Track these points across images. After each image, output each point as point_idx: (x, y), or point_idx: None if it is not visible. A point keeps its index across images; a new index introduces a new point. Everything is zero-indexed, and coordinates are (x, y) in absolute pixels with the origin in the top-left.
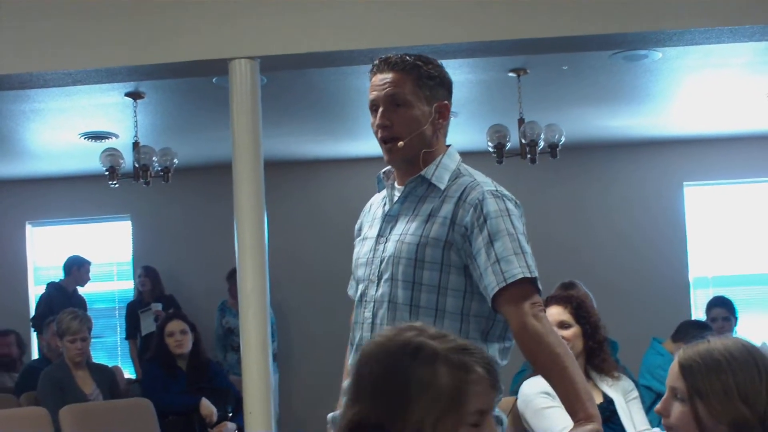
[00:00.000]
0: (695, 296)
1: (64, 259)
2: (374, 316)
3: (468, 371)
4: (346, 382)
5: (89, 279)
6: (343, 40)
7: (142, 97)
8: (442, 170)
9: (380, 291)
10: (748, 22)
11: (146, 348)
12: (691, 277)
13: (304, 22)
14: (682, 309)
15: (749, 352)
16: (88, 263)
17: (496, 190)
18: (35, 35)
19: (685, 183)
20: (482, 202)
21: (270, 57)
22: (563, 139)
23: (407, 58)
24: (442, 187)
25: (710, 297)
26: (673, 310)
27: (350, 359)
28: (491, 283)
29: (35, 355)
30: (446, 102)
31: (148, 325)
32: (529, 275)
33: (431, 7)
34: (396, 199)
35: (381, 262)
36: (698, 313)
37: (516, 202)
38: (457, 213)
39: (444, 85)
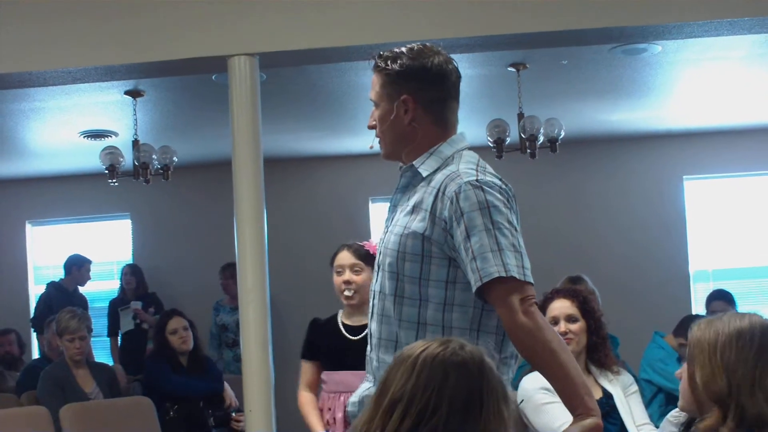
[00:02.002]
0: (695, 290)
1: (65, 259)
2: (373, 306)
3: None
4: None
5: (89, 278)
6: (342, 36)
7: (142, 95)
8: (434, 158)
9: (377, 281)
10: (747, 14)
11: (125, 344)
12: (691, 271)
13: (303, 18)
14: (682, 302)
15: (752, 328)
16: (89, 262)
17: (477, 181)
18: (34, 34)
19: (685, 176)
20: (458, 195)
21: (269, 54)
22: (563, 134)
23: (380, 56)
24: (424, 174)
25: (710, 290)
26: (673, 304)
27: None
28: (472, 281)
29: (35, 354)
30: (406, 96)
31: (126, 323)
32: (504, 275)
33: (430, 3)
34: (396, 189)
35: (379, 254)
36: (698, 306)
37: (503, 190)
38: (436, 206)
39: (412, 77)
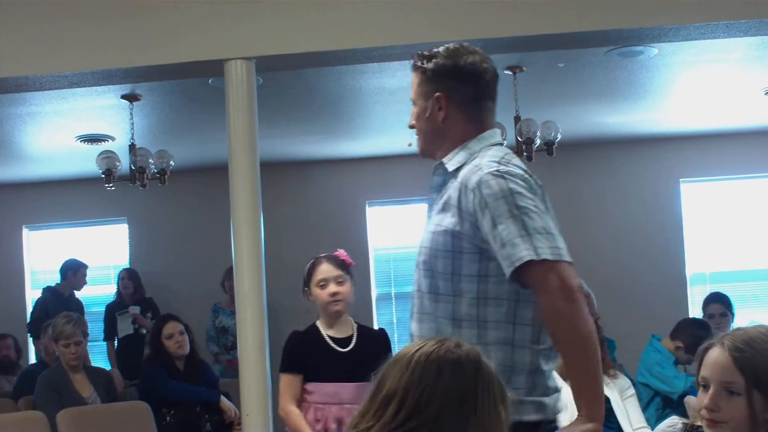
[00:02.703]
0: (692, 293)
1: (61, 263)
2: (412, 305)
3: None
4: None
5: (86, 283)
6: (339, 39)
7: (139, 99)
8: (462, 153)
9: (415, 279)
10: (743, 16)
11: (123, 349)
12: (688, 274)
13: (300, 22)
14: (679, 305)
15: None
16: (85, 267)
17: (497, 171)
18: (31, 38)
19: (681, 179)
20: (480, 186)
21: (266, 57)
22: (559, 137)
23: (418, 55)
24: (450, 168)
25: (707, 293)
26: (670, 307)
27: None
28: (505, 268)
29: (32, 359)
30: (440, 93)
31: (125, 328)
32: (535, 257)
33: (426, 5)
34: (431, 188)
35: (418, 253)
36: (695, 309)
37: (525, 178)
38: (461, 200)
39: (445, 75)
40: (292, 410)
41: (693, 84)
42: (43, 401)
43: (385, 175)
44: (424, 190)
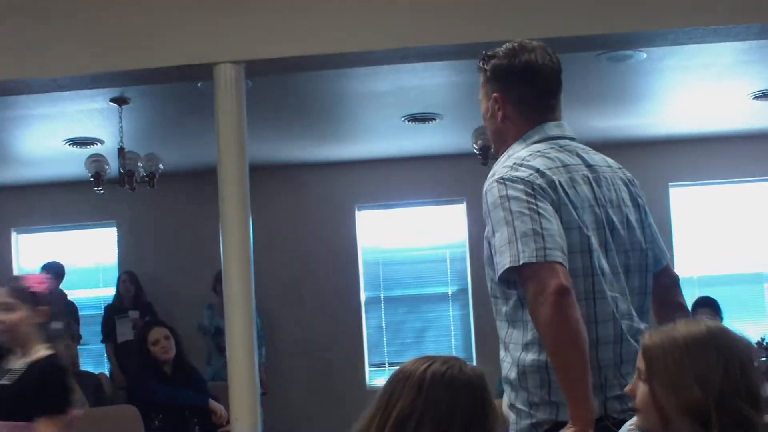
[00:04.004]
0: None
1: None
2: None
3: None
4: None
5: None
6: (328, 43)
7: (128, 103)
8: (503, 157)
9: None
10: (732, 22)
11: (123, 353)
12: None
13: (289, 26)
14: None
15: (711, 333)
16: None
17: (502, 177)
18: (19, 42)
19: (670, 183)
20: (486, 194)
21: (255, 61)
22: None
23: (481, 56)
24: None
25: (696, 297)
26: None
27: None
28: (495, 276)
29: None
30: (497, 94)
31: (125, 332)
32: (516, 263)
33: (416, 10)
34: None
35: None
36: None
37: (527, 182)
38: (483, 207)
39: (500, 76)
40: None
41: (682, 88)
42: None
43: (374, 179)
44: (414, 193)
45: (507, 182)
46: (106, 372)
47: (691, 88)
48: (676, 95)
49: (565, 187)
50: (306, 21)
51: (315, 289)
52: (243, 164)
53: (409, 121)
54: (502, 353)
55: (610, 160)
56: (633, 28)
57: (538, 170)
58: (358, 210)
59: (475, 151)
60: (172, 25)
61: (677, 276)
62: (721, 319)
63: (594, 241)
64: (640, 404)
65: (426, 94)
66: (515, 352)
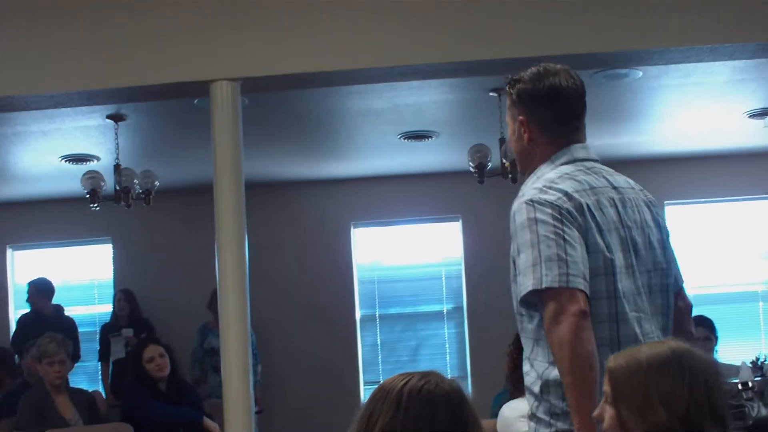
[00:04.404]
0: None
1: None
2: None
3: None
4: None
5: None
6: (324, 61)
7: (124, 120)
8: (531, 178)
9: None
10: (727, 41)
11: (117, 372)
12: None
13: (285, 43)
14: None
15: (676, 355)
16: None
17: (531, 199)
18: (16, 58)
19: (666, 202)
20: (514, 215)
21: (251, 79)
22: None
23: (508, 80)
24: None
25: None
26: None
27: None
28: (518, 297)
29: None
30: (522, 117)
31: (118, 351)
32: (539, 287)
33: (411, 28)
34: None
35: None
36: None
37: (555, 206)
38: (509, 227)
39: (525, 99)
40: None
41: (677, 107)
42: (25, 423)
43: (370, 197)
44: (409, 211)
45: (536, 204)
46: (101, 389)
47: (687, 107)
48: (672, 113)
49: (593, 209)
50: (302, 39)
51: (310, 307)
52: (239, 181)
53: (405, 138)
54: (527, 368)
55: (632, 182)
56: (629, 46)
57: (566, 193)
58: (354, 227)
59: (471, 169)
60: (168, 43)
61: (691, 303)
62: (717, 339)
63: (619, 263)
64: (608, 428)
65: (422, 111)
66: (540, 368)
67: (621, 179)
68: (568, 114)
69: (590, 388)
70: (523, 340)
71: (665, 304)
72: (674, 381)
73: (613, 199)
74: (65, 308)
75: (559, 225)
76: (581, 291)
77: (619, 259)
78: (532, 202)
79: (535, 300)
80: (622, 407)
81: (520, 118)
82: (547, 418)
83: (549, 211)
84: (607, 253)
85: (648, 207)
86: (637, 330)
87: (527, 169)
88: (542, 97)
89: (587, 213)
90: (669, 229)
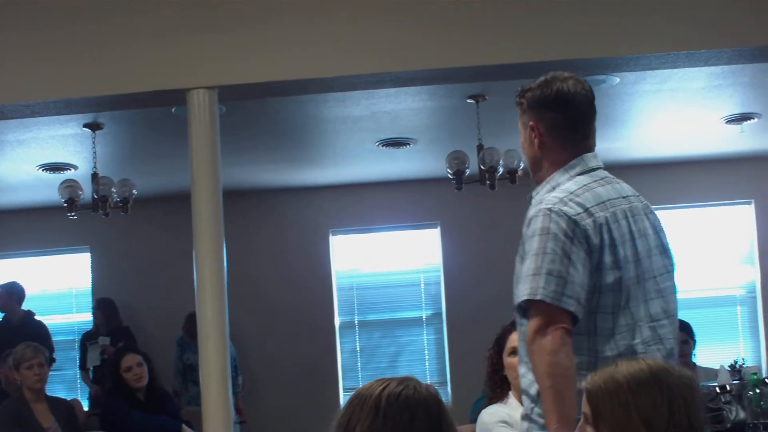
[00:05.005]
0: None
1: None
2: None
3: None
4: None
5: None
6: (301, 68)
7: (101, 128)
8: (547, 187)
9: None
10: (703, 46)
11: (97, 379)
12: None
13: (262, 51)
14: None
15: (653, 373)
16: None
17: (550, 209)
18: None
19: None
20: (531, 221)
21: (228, 87)
22: (522, 165)
23: (519, 90)
24: (531, 202)
25: None
26: None
27: None
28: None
29: None
30: (532, 123)
31: (93, 359)
32: (533, 297)
33: (390, 35)
34: None
35: None
36: None
37: (571, 221)
38: (524, 231)
39: (535, 106)
40: None
41: (654, 112)
42: (3, 431)
43: (348, 204)
44: (388, 218)
45: (553, 215)
46: (79, 397)
47: (664, 113)
48: (649, 119)
49: (610, 223)
50: (279, 46)
51: (289, 314)
52: (217, 189)
53: (383, 145)
54: (523, 369)
55: (632, 189)
56: (606, 53)
57: (587, 210)
58: (332, 234)
59: (449, 175)
60: (145, 51)
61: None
62: (695, 342)
63: (630, 274)
64: None
65: (400, 119)
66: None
67: (627, 188)
68: (577, 119)
69: (567, 393)
70: (519, 343)
71: (674, 306)
72: (654, 400)
73: (625, 212)
74: (43, 316)
75: (569, 243)
76: (571, 313)
77: (630, 271)
78: (550, 211)
79: (529, 307)
80: (603, 427)
81: (531, 123)
82: (541, 421)
83: (564, 225)
84: (619, 267)
85: (646, 215)
86: (650, 334)
87: (537, 174)
88: (550, 102)
89: (604, 229)
90: (665, 231)
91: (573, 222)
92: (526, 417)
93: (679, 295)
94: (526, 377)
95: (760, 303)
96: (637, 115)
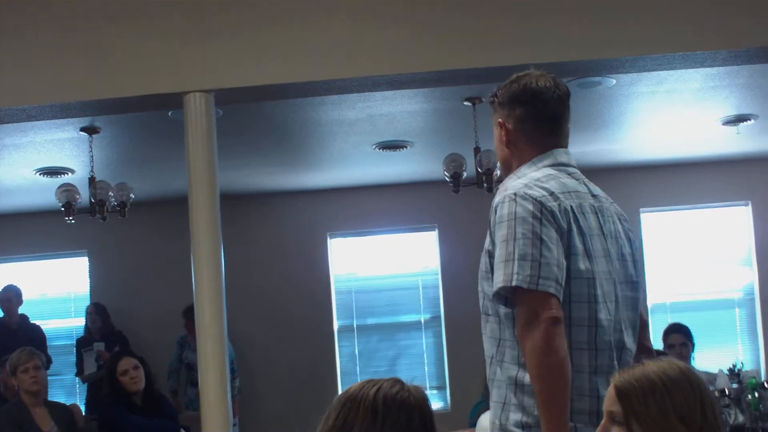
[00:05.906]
0: (654, 322)
1: None
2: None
3: None
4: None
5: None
6: (298, 72)
7: (98, 132)
8: (512, 177)
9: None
10: (699, 48)
11: (93, 385)
12: (649, 304)
13: (258, 55)
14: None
15: (683, 372)
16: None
17: (515, 194)
18: None
19: (641, 209)
20: (497, 208)
21: (225, 90)
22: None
23: (491, 94)
24: (495, 193)
25: (668, 323)
26: None
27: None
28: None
29: None
30: (500, 119)
31: (89, 365)
32: (508, 284)
33: (385, 38)
34: None
35: None
36: (656, 339)
37: (537, 202)
38: (490, 220)
39: (504, 102)
40: None
41: (651, 114)
42: None
43: (346, 207)
44: (386, 221)
45: (518, 198)
46: (78, 402)
47: (660, 114)
48: (646, 121)
49: (576, 212)
50: (275, 50)
51: (288, 318)
52: (214, 193)
53: (380, 148)
54: (491, 372)
55: (604, 193)
56: (602, 55)
57: (552, 193)
58: (330, 238)
59: (447, 178)
60: (141, 55)
61: (646, 319)
62: (693, 345)
63: (601, 269)
64: None
65: (397, 121)
66: (511, 371)
67: (598, 189)
68: (546, 115)
69: (560, 395)
70: (488, 343)
71: (634, 317)
72: (687, 398)
73: (594, 207)
74: (41, 321)
75: (538, 224)
76: (553, 295)
77: (601, 265)
78: (515, 196)
79: (508, 295)
80: (637, 427)
81: (499, 120)
82: (518, 431)
83: (530, 207)
84: (589, 258)
85: (620, 220)
86: (612, 338)
87: (507, 173)
88: (517, 96)
89: (570, 215)
90: (638, 243)
91: (539, 203)
92: (503, 428)
93: (677, 299)
94: (496, 380)
95: (758, 305)
96: (633, 117)
